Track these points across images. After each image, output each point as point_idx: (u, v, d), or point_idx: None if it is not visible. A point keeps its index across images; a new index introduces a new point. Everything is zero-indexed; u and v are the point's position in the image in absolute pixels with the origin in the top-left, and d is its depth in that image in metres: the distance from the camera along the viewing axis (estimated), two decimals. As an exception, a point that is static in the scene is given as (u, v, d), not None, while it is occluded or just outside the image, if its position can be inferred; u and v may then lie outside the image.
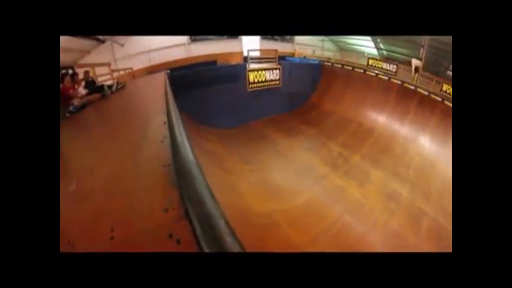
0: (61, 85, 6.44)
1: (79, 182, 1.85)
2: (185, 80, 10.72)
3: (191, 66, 12.40)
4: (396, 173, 9.76)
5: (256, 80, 13.05)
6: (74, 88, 6.68)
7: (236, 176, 8.46)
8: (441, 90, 10.08)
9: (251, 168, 9.38)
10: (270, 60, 13.47)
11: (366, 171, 10.24)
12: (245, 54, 13.92)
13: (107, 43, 10.05)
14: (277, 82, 13.71)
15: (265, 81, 13.38)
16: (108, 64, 8.77)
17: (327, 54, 15.65)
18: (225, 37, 14.01)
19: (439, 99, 10.08)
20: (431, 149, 9.98)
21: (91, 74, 7.69)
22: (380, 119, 11.76)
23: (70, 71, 6.97)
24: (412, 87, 10.96)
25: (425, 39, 11.46)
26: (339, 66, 13.79)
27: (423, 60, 11.23)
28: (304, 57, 15.47)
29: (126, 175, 1.89)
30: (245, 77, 12.48)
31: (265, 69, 13.20)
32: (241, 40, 14.47)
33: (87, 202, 1.64)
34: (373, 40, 14.14)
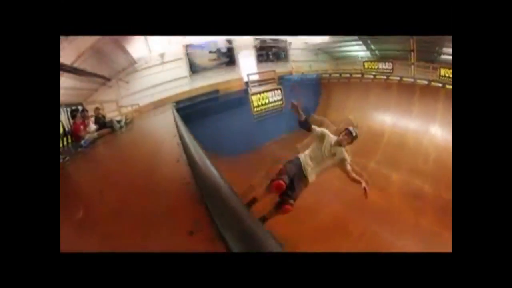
0: (72, 122, 6.85)
1: (90, 206, 1.85)
2: (191, 110, 11.07)
3: (195, 97, 12.86)
4: (415, 170, 9.39)
5: (260, 103, 13.26)
6: (84, 124, 7.06)
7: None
8: (440, 75, 9.88)
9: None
10: (270, 81, 13.72)
11: (385, 175, 9.90)
12: (244, 79, 14.32)
13: (113, 81, 10.71)
14: (280, 102, 13.86)
15: (269, 102, 13.56)
16: (116, 101, 9.29)
17: (323, 66, 15.83)
18: (224, 65, 14.56)
19: (440, 84, 9.91)
20: (443, 136, 9.64)
21: (100, 111, 8.16)
22: (387, 119, 11.54)
23: (80, 108, 7.40)
24: (411, 80, 10.82)
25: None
26: (337, 75, 13.87)
27: (414, 51, 11.16)
28: (302, 73, 15.71)
29: (140, 195, 1.87)
30: (248, 101, 12.72)
31: (267, 91, 13.43)
32: (239, 66, 14.96)
33: (97, 227, 1.63)
34: (364, 43, 14.27)
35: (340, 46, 16.07)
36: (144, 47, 11.41)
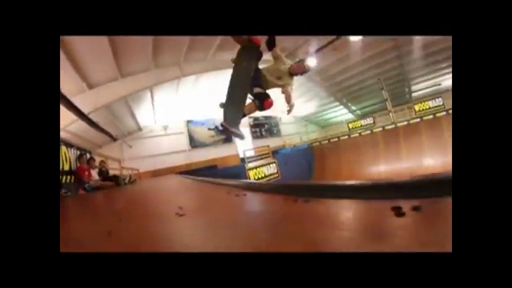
0: (77, 164, 6.99)
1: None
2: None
3: (194, 171, 13.23)
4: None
5: (256, 177, 13.67)
6: (89, 171, 7.21)
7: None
8: (416, 112, 10.97)
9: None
10: (265, 156, 14.57)
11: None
12: (240, 155, 15.19)
13: (118, 142, 11.21)
14: (276, 175, 14.34)
15: (265, 176, 14.01)
16: (119, 160, 9.55)
17: (313, 135, 17.20)
18: (221, 142, 15.71)
19: (418, 119, 10.85)
20: (436, 164, 9.86)
21: (105, 165, 8.29)
22: (381, 168, 11.91)
23: (88, 155, 7.57)
24: (393, 125, 11.84)
25: (381, 82, 13.38)
26: (326, 141, 14.99)
27: (388, 99, 12.64)
28: (294, 145, 16.84)
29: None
30: (245, 176, 13.15)
31: (262, 165, 14.08)
32: (235, 143, 16.11)
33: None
34: (344, 107, 16.03)
35: (324, 115, 17.93)
36: (151, 117, 12.66)
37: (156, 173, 12.76)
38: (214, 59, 10.47)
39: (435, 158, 9.88)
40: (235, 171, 13.33)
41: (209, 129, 13.54)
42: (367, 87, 15.00)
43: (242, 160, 14.23)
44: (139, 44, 8.06)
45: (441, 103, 10.61)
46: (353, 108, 16.29)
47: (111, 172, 8.78)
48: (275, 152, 15.40)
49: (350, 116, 17.00)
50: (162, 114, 13.06)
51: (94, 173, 8.21)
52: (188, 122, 14.76)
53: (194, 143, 14.86)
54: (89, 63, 7.87)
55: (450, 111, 9.90)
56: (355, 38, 10.57)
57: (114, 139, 10.65)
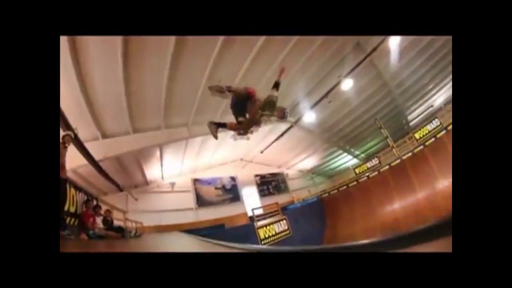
0: (83, 209, 6.90)
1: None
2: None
3: (201, 230, 12.64)
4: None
5: (267, 236, 13.04)
6: (94, 218, 7.10)
7: None
8: (417, 140, 11.05)
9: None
10: (274, 213, 14.15)
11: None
12: (249, 214, 14.74)
13: (124, 193, 10.95)
14: (287, 232, 13.67)
15: (275, 234, 13.36)
16: (124, 212, 9.25)
17: (321, 187, 16.83)
18: (228, 201, 15.43)
19: (421, 147, 10.91)
20: (450, 183, 9.41)
21: (110, 214, 8.03)
22: (395, 206, 11.37)
23: (95, 202, 7.41)
24: (398, 160, 11.79)
25: (379, 122, 13.75)
26: (335, 191, 14.66)
27: (388, 136, 12.79)
28: (303, 199, 16.36)
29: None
30: (255, 235, 12.58)
31: (272, 223, 13.57)
32: (243, 202, 15.77)
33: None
34: (348, 153, 16.08)
35: (329, 165, 17.84)
36: (159, 173, 12.79)
37: (161, 229, 12.23)
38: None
39: (447, 178, 9.59)
40: (244, 231, 12.73)
41: (216, 188, 13.88)
42: (366, 129, 15.45)
43: (251, 218, 13.73)
44: (152, 104, 8.85)
45: (439, 123, 10.87)
46: (357, 152, 16.49)
47: (116, 223, 8.52)
48: (284, 209, 14.95)
49: (355, 161, 17.05)
50: (170, 171, 13.28)
51: (99, 221, 8.01)
52: (195, 180, 14.84)
53: (201, 201, 14.62)
54: (105, 114, 8.55)
55: (449, 128, 10.20)
56: (346, 87, 11.46)
57: (120, 189, 10.62)
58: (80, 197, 7.30)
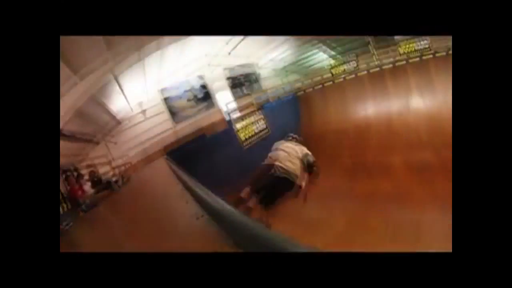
0: (68, 187, 6.68)
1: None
2: (183, 158, 11.12)
3: (184, 146, 12.97)
4: (412, 146, 9.45)
5: (247, 137, 13.43)
6: (82, 188, 6.90)
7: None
8: (400, 54, 10.53)
9: (277, 212, 9.05)
10: (251, 114, 14.12)
11: (386, 162, 9.91)
12: (227, 118, 14.81)
13: (102, 144, 10.86)
14: (266, 131, 14.14)
15: (255, 134, 13.76)
16: (109, 162, 9.33)
17: (296, 85, 16.70)
18: (204, 110, 15.22)
19: (404, 62, 10.47)
20: (426, 105, 10.00)
21: (96, 173, 8.04)
22: (369, 111, 11.88)
23: (76, 173, 7.28)
24: (378, 68, 11.44)
25: None
26: (311, 89, 14.55)
27: (371, 41, 12.02)
28: (279, 98, 16.40)
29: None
30: (236, 138, 12.93)
31: (251, 124, 13.72)
32: (218, 107, 15.56)
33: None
34: (324, 52, 15.28)
35: (304, 62, 17.21)
36: (126, 107, 11.85)
37: (150, 159, 12.56)
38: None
39: (424, 98, 9.82)
40: (224, 136, 13.12)
41: (188, 100, 13.16)
42: None
43: (229, 122, 13.90)
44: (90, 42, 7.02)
45: (427, 46, 10.07)
46: (333, 52, 15.41)
47: (106, 177, 8.52)
48: (261, 108, 15.01)
49: (330, 61, 16.18)
50: (136, 99, 12.19)
51: (87, 187, 7.97)
52: (166, 99, 13.89)
53: (177, 118, 14.26)
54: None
55: (437, 54, 9.61)
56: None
57: (96, 142, 10.07)
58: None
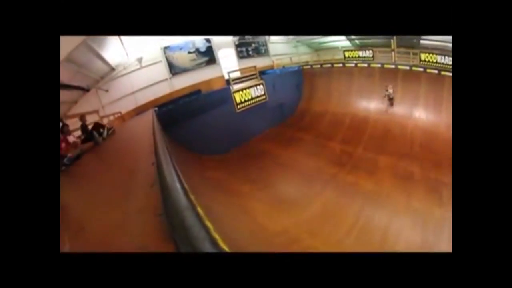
0: None
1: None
2: (174, 114, 10.82)
3: (177, 99, 12.54)
4: (402, 153, 9.63)
5: (242, 100, 13.10)
6: (67, 140, 6.61)
7: (243, 198, 8.29)
8: (420, 60, 10.11)
9: (257, 186, 9.24)
10: (252, 77, 13.61)
11: (373, 160, 10.09)
12: (226, 77, 14.19)
13: (92, 91, 10.32)
14: (264, 97, 13.75)
15: (251, 98, 13.42)
16: (97, 111, 8.97)
17: (304, 58, 15.93)
18: (204, 64, 14.38)
19: (421, 69, 10.12)
20: (428, 118, 9.92)
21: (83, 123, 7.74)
22: (372, 105, 11.75)
23: (60, 124, 6.99)
24: (393, 66, 11.00)
25: None
26: (318, 66, 13.95)
27: (395, 39, 11.34)
28: (283, 66, 15.72)
29: (115, 232, 1.75)
30: (231, 99, 12.59)
31: (249, 87, 13.28)
32: (219, 64, 14.78)
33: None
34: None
35: (318, 37, 16.15)
36: (122, 52, 10.97)
37: (140, 110, 12.08)
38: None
39: (427, 111, 9.71)
40: (220, 95, 12.78)
41: (190, 52, 12.49)
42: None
43: (228, 82, 13.39)
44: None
45: (450, 63, 9.54)
46: (353, 36, 14.37)
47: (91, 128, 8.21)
48: (262, 73, 14.46)
49: (347, 43, 15.17)
50: (134, 45, 11.22)
51: (73, 138, 7.72)
52: (165, 48, 12.89)
53: (174, 69, 13.45)
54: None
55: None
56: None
57: (86, 90, 9.45)
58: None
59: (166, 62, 13.07)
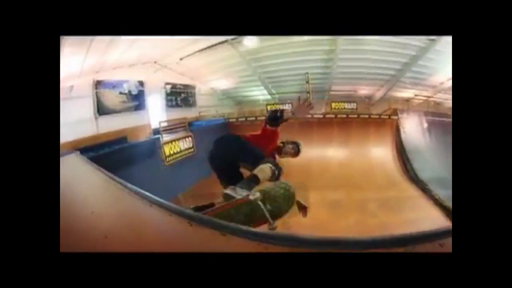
0: None
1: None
2: (100, 162, 9.50)
3: (101, 145, 11.03)
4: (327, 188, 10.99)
5: (172, 153, 12.53)
6: None
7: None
8: (332, 108, 13.27)
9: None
10: (180, 129, 13.69)
11: (303, 196, 11.24)
12: (152, 126, 13.92)
13: None
14: (192, 150, 13.66)
15: (180, 151, 12.99)
16: None
17: (228, 111, 17.68)
18: (133, 109, 13.98)
19: (333, 116, 13.17)
20: (344, 154, 12.48)
21: None
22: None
23: None
24: (309, 116, 13.59)
25: (307, 75, 15.08)
26: (243, 119, 15.68)
27: (311, 92, 14.50)
28: (212, 117, 16.69)
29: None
30: (160, 151, 12.10)
31: (178, 139, 13.13)
32: (147, 111, 14.62)
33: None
34: (264, 87, 17.12)
35: (243, 92, 18.49)
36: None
37: (62, 147, 10.09)
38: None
39: (338, 152, 12.30)
40: (148, 146, 12.10)
41: (121, 93, 11.85)
42: (293, 76, 16.25)
43: (156, 131, 13.03)
44: None
45: (355, 107, 13.18)
46: (273, 90, 17.38)
47: None
48: (189, 124, 14.86)
49: (268, 97, 18.11)
50: (69, 72, 10.25)
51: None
52: (98, 83, 12.12)
53: (102, 109, 12.50)
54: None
55: (361, 116, 12.53)
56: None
57: None
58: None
59: (95, 98, 12.11)
